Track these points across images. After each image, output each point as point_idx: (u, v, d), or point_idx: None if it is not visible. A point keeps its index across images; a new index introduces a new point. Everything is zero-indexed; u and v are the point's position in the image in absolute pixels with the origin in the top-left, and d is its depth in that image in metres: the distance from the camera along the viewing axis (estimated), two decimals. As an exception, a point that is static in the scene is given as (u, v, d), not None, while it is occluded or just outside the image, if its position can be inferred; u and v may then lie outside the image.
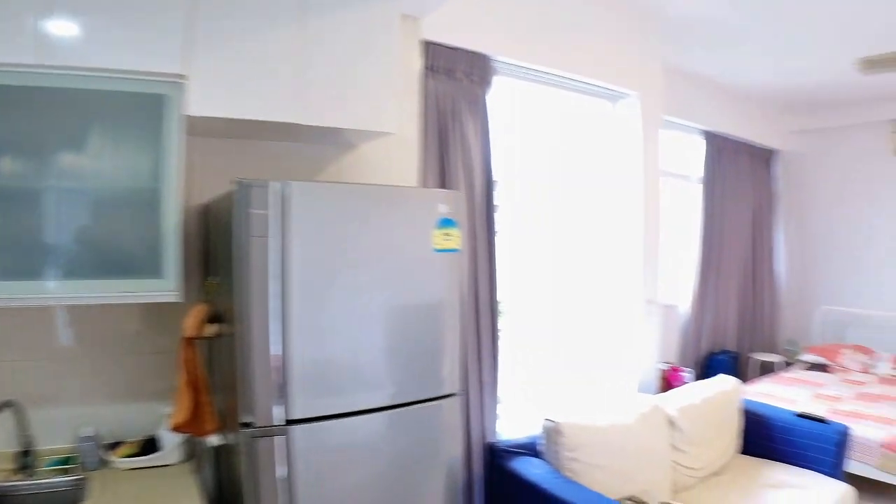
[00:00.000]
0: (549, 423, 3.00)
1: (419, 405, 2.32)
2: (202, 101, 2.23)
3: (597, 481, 2.92)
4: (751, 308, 6.75)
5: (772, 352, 6.91)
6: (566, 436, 2.94)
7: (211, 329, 2.24)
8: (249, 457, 1.97)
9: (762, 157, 6.96)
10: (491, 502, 3.23)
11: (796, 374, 5.99)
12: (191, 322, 2.22)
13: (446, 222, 2.35)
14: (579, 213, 4.66)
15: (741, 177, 6.49)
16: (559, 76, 4.02)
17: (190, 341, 2.22)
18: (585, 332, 4.71)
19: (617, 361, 4.71)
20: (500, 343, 3.61)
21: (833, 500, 3.29)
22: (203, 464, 2.56)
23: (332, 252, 2.10)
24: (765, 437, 3.87)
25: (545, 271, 4.53)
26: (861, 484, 3.54)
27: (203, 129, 2.48)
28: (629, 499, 3.01)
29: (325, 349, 2.09)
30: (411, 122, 3.22)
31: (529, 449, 3.10)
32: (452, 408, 2.46)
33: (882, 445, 4.12)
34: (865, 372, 6.03)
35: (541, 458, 3.03)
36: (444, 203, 2.38)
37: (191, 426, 2.27)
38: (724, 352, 6.21)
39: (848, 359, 6.18)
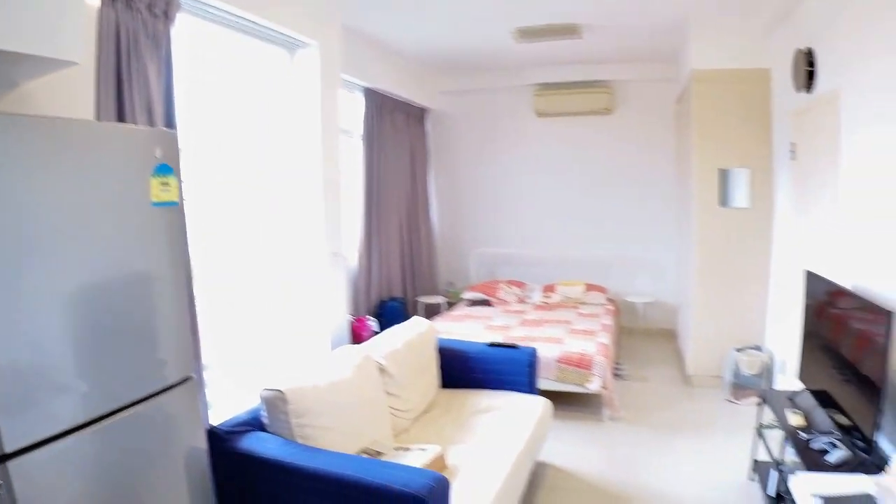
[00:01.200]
0: (270, 393, 2.58)
1: (152, 399, 1.91)
2: None
3: (331, 442, 2.62)
4: (411, 256, 7.03)
5: (435, 294, 7.32)
6: (291, 402, 2.56)
7: None
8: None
9: (417, 115, 7.23)
10: (224, 493, 2.64)
11: (463, 311, 6.33)
12: None
13: (164, 169, 1.91)
14: (263, 167, 4.32)
15: (398, 133, 6.66)
16: (242, 18, 3.67)
17: None
18: (278, 291, 4.41)
19: (311, 317, 4.48)
20: (198, 314, 3.14)
21: (537, 412, 3.51)
22: None
23: (18, 213, 1.52)
24: (463, 370, 3.95)
25: (234, 230, 4.07)
26: (545, 396, 3.83)
27: None
28: (364, 451, 2.76)
29: (17, 351, 1.52)
30: (88, 58, 2.52)
31: (254, 425, 2.63)
32: (189, 393, 2.06)
33: (557, 361, 4.59)
34: (522, 302, 6.71)
35: (268, 432, 2.60)
36: (160, 145, 1.90)
37: None
38: (393, 299, 6.38)
39: (505, 292, 6.78)
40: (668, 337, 6.87)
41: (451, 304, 7.11)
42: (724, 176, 5.08)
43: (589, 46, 5.98)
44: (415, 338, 3.77)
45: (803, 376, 3.40)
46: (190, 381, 2.06)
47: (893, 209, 2.76)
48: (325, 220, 4.46)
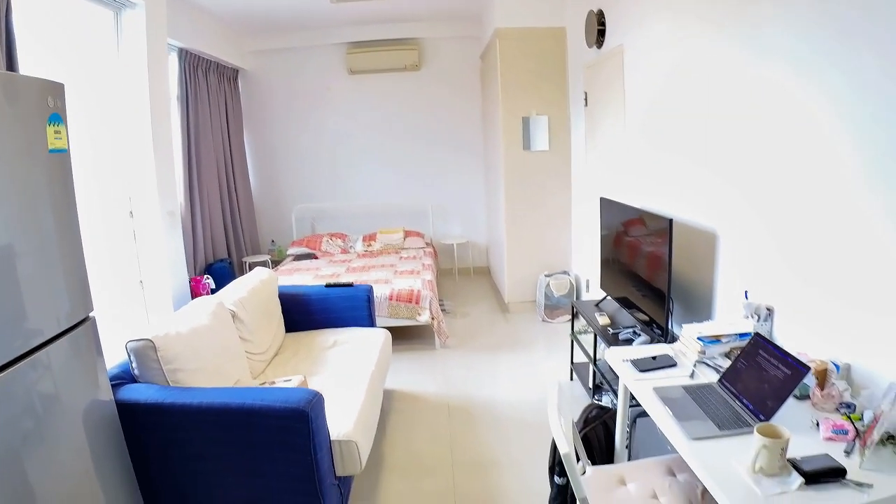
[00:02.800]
0: (137, 343, 2.60)
1: (50, 346, 1.88)
2: None
3: (202, 384, 2.71)
4: (232, 217, 6.95)
5: (259, 253, 7.34)
6: (161, 349, 2.61)
7: None
8: None
9: (230, 76, 7.08)
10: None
11: (291, 265, 6.42)
12: None
13: (56, 118, 1.96)
14: (95, 129, 4.19)
15: (213, 94, 6.51)
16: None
17: None
18: (117, 251, 4.33)
19: (151, 276, 4.45)
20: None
21: (380, 340, 3.81)
22: None
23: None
24: (304, 313, 4.12)
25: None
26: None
27: None
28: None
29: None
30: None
31: (124, 378, 2.62)
32: (89, 333, 2.06)
33: (388, 298, 4.94)
34: (345, 252, 6.95)
35: (141, 382, 2.63)
36: (51, 95, 1.95)
37: None
38: (220, 260, 6.33)
39: (328, 245, 6.97)
40: (482, 274, 7.57)
41: (276, 263, 7.18)
42: (526, 123, 5.65)
43: (399, 5, 6.23)
44: (258, 285, 3.87)
45: (605, 287, 4.02)
46: (88, 321, 2.05)
47: (664, 143, 3.38)
48: (158, 179, 4.38)
